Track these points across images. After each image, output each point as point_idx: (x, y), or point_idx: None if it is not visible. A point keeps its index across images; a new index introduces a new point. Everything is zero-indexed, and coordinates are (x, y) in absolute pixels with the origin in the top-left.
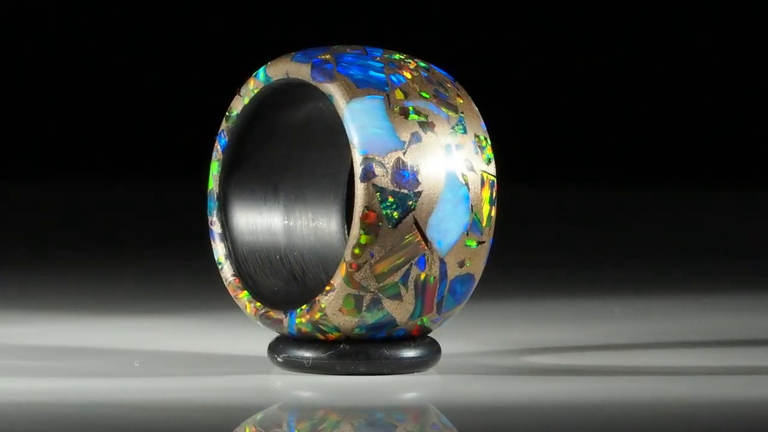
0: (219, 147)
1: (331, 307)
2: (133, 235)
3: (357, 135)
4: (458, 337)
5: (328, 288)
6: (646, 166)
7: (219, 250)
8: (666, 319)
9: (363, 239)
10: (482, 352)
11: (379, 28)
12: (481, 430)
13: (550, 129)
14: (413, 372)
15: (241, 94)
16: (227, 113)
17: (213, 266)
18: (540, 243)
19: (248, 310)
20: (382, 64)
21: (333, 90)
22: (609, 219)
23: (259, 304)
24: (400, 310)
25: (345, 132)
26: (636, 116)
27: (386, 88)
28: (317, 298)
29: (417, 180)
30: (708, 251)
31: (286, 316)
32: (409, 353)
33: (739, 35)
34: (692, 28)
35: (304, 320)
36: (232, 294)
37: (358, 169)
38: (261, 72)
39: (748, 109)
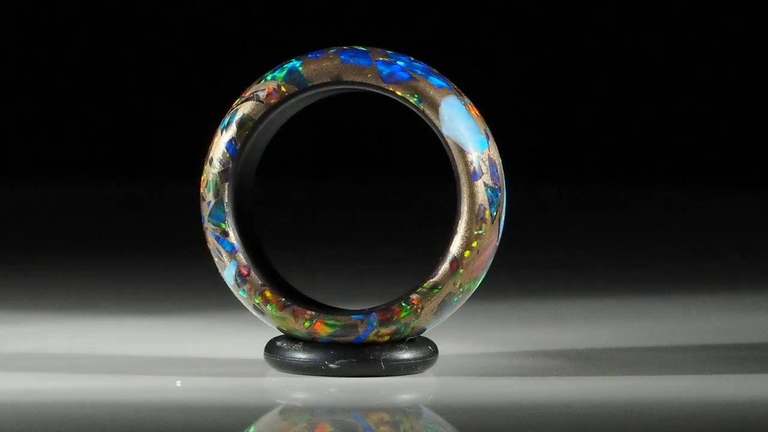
0: (228, 156)
1: (429, 307)
2: (132, 236)
3: (458, 134)
4: (456, 338)
5: (432, 289)
6: (647, 165)
7: (238, 260)
8: (668, 319)
9: (476, 238)
10: (480, 352)
11: (366, 27)
12: (479, 431)
13: (550, 128)
14: (413, 373)
15: (262, 99)
16: (241, 120)
17: (210, 267)
18: (540, 243)
19: (296, 317)
20: (420, 64)
21: (421, 90)
22: (610, 219)
23: (313, 311)
24: (455, 307)
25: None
26: (636, 116)
27: (451, 87)
28: (415, 300)
29: (498, 176)
30: (710, 251)
31: (362, 321)
32: (407, 355)
33: (741, 34)
34: (693, 27)
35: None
36: (265, 301)
37: (465, 168)
38: (291, 75)
39: (749, 109)
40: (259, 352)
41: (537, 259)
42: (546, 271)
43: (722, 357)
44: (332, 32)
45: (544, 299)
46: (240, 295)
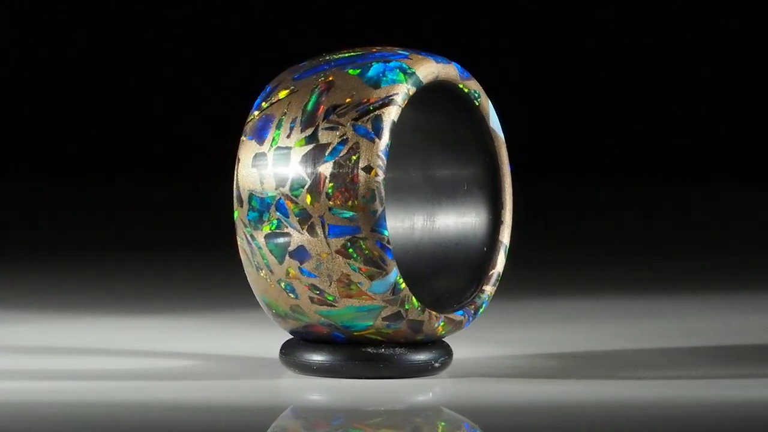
0: (386, 162)
1: (489, 295)
2: (135, 236)
3: (498, 128)
4: (467, 339)
5: (492, 276)
6: (647, 165)
7: (395, 269)
8: (668, 319)
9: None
10: (487, 353)
11: (366, 27)
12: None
13: (550, 128)
14: (428, 375)
15: (400, 104)
16: (391, 126)
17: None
18: (539, 243)
19: (430, 320)
20: None
21: (477, 87)
22: (610, 219)
23: (433, 311)
24: None
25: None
26: (636, 116)
27: None
28: (485, 289)
29: None
30: (710, 250)
31: (465, 316)
32: (422, 356)
33: (741, 34)
34: (693, 27)
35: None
36: (411, 307)
37: (506, 160)
38: (409, 75)
39: (749, 109)
40: (273, 352)
41: (536, 259)
42: (545, 271)
43: (723, 357)
44: (332, 32)
45: (544, 299)
46: (388, 301)
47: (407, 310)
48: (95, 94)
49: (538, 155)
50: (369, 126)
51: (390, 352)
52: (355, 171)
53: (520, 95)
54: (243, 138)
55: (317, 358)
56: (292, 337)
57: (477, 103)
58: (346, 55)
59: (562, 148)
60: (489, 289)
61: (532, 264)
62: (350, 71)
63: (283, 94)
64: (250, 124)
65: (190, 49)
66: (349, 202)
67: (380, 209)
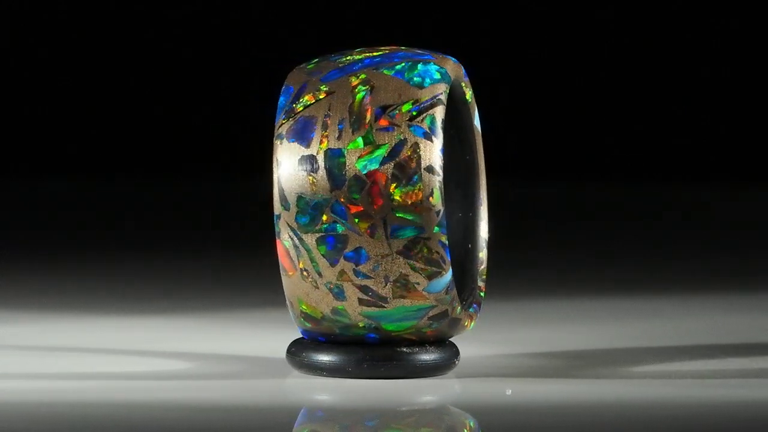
0: (443, 162)
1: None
2: (138, 236)
3: (478, 127)
4: (467, 339)
5: (483, 272)
6: (647, 165)
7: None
8: (675, 319)
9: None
10: (492, 353)
11: (366, 27)
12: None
13: (550, 128)
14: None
15: (444, 101)
16: (435, 126)
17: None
18: (539, 243)
19: (467, 323)
20: None
21: (469, 85)
22: (610, 219)
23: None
24: None
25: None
26: (636, 116)
27: None
28: (481, 286)
29: None
30: (710, 250)
31: (476, 312)
32: (430, 356)
33: (741, 34)
34: (693, 27)
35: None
36: (459, 306)
37: (483, 157)
38: (444, 75)
39: (749, 109)
40: (274, 352)
41: (536, 259)
42: (545, 271)
43: (723, 357)
44: (332, 32)
45: (544, 299)
46: (440, 300)
47: (454, 308)
48: (95, 94)
49: (538, 155)
50: (425, 126)
51: (423, 351)
52: (418, 171)
53: (520, 95)
54: (280, 141)
55: (346, 359)
56: (300, 338)
57: (469, 102)
58: (370, 55)
59: (562, 148)
60: (482, 284)
61: (532, 264)
62: (385, 71)
63: (319, 95)
64: (286, 126)
65: (190, 49)
66: (413, 203)
67: (442, 209)
